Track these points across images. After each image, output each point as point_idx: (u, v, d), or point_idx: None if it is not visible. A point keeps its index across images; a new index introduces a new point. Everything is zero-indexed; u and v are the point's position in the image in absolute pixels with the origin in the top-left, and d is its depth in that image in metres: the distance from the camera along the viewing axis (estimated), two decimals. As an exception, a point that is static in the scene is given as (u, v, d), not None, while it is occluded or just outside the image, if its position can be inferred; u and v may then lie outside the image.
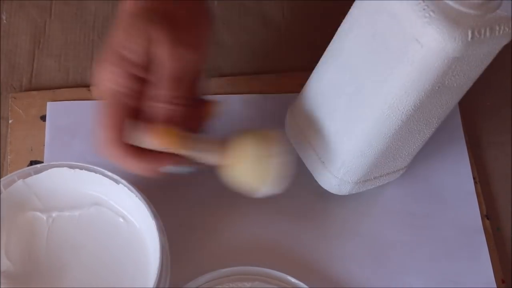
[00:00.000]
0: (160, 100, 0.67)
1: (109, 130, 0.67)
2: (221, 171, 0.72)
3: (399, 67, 0.65)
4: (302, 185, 0.82)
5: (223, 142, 0.71)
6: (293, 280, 0.76)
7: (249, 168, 0.71)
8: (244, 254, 0.78)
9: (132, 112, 0.68)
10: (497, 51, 0.65)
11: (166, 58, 0.66)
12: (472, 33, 0.60)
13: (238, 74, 0.89)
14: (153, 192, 0.74)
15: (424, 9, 0.61)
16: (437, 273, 0.79)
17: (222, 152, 0.71)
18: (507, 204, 0.84)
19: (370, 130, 0.70)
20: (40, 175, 0.73)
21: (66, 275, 0.72)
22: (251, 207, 0.81)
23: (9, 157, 0.82)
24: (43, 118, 0.84)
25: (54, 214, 0.74)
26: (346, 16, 0.70)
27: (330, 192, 0.80)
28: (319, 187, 0.80)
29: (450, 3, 0.61)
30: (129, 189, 0.71)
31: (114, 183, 0.72)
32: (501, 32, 0.62)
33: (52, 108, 0.85)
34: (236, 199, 0.81)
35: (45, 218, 0.74)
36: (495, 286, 0.79)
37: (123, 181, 0.72)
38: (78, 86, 0.87)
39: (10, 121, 0.83)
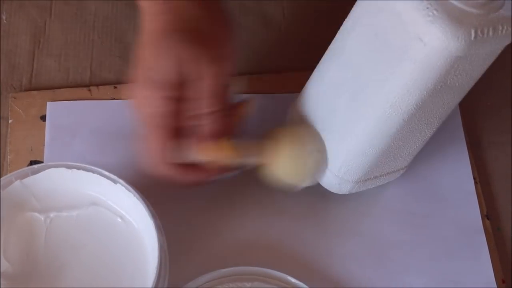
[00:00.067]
0: (204, 117, 0.69)
1: (156, 154, 0.70)
2: (261, 170, 0.76)
3: (401, 65, 0.65)
4: (302, 185, 0.82)
5: (261, 142, 0.75)
6: (293, 280, 0.76)
7: (289, 166, 0.75)
8: (244, 254, 0.78)
9: (174, 131, 0.70)
10: (499, 51, 0.65)
11: (202, 75, 0.67)
12: (475, 32, 0.60)
13: (238, 74, 0.88)
14: (152, 192, 0.74)
15: (427, 8, 0.61)
16: (437, 273, 0.79)
17: (262, 153, 0.74)
18: (507, 204, 0.84)
19: (371, 129, 0.70)
20: (38, 176, 0.73)
21: (64, 275, 0.72)
22: (251, 207, 0.81)
23: (9, 157, 0.82)
24: (43, 118, 0.84)
25: (52, 215, 0.74)
26: (349, 15, 0.70)
27: (330, 192, 0.80)
28: (319, 186, 0.80)
29: (454, 2, 0.61)
30: (127, 189, 0.71)
31: (112, 183, 0.72)
32: (504, 31, 0.62)
33: (52, 108, 0.85)
34: (236, 199, 0.81)
35: (43, 218, 0.74)
36: (495, 286, 0.79)
37: (121, 181, 0.72)
38: (78, 86, 0.87)
39: (10, 121, 0.84)
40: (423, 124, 0.72)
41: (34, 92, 0.86)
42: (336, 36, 0.72)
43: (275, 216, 0.81)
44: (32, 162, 0.81)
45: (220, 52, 0.69)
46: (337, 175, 0.77)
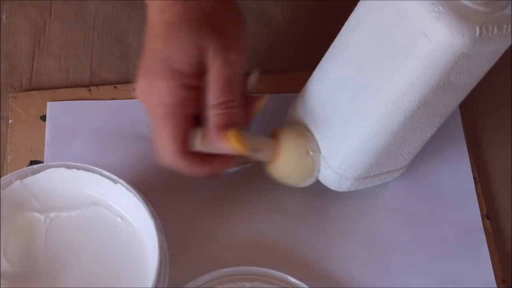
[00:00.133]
0: (221, 107, 0.69)
1: (173, 142, 0.69)
2: (268, 167, 0.77)
3: (405, 61, 0.65)
4: (301, 185, 0.82)
5: (266, 139, 0.76)
6: (293, 280, 0.76)
7: (290, 164, 0.76)
8: (244, 254, 0.78)
9: (191, 121, 0.70)
10: (503, 50, 0.65)
11: (220, 65, 0.67)
12: (480, 29, 0.60)
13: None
14: (152, 192, 0.75)
15: (433, 4, 0.61)
16: (437, 273, 0.79)
17: (271, 149, 0.76)
18: (507, 204, 0.84)
19: (373, 126, 0.70)
20: (38, 176, 0.73)
21: (64, 276, 0.72)
22: (251, 207, 0.81)
23: (9, 157, 0.82)
24: (43, 118, 0.84)
25: (52, 215, 0.74)
26: (353, 12, 0.70)
27: (330, 191, 0.80)
28: (319, 186, 0.80)
29: None
30: (127, 189, 0.71)
31: (112, 183, 0.72)
32: (508, 30, 0.62)
33: (52, 108, 0.85)
34: (236, 199, 0.81)
35: (43, 218, 0.74)
36: (495, 286, 0.79)
37: (121, 181, 0.72)
38: (78, 86, 0.87)
39: (10, 121, 0.84)
40: (425, 122, 0.72)
41: (34, 92, 0.86)
42: (340, 33, 0.73)
43: (275, 216, 0.81)
44: (32, 162, 0.81)
45: (235, 42, 0.69)
46: (337, 172, 0.77)
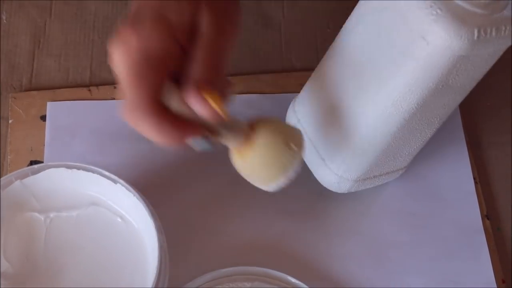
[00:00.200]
0: (203, 68, 0.64)
1: (147, 93, 0.62)
2: (236, 156, 0.69)
3: (404, 64, 0.65)
4: (302, 185, 0.81)
5: (246, 122, 0.69)
6: (293, 280, 0.76)
7: (267, 157, 0.68)
8: (244, 254, 0.78)
9: (169, 75, 0.63)
10: (501, 52, 0.65)
11: (214, 33, 0.64)
12: (478, 32, 0.60)
13: (238, 74, 0.88)
14: (152, 192, 0.74)
15: (431, 7, 0.61)
16: (437, 273, 0.79)
17: (245, 133, 0.68)
18: (507, 204, 0.84)
19: (372, 128, 0.70)
20: (38, 176, 0.73)
21: (64, 276, 0.72)
22: (251, 207, 0.81)
23: (9, 157, 0.82)
24: (43, 118, 0.84)
25: (52, 215, 0.74)
26: (352, 13, 0.70)
27: (330, 191, 0.80)
28: (319, 186, 0.80)
29: (457, 1, 0.61)
30: (127, 189, 0.71)
31: (112, 183, 0.72)
32: (506, 32, 0.62)
33: (52, 108, 0.85)
34: (236, 199, 0.81)
35: (43, 218, 0.74)
36: (495, 286, 0.79)
37: (121, 181, 0.72)
38: (78, 86, 0.87)
39: (10, 121, 0.84)
40: (424, 124, 0.72)
41: (34, 92, 0.86)
42: (339, 34, 0.72)
43: (275, 216, 0.81)
44: (32, 162, 0.81)
45: (229, 16, 0.66)
46: (337, 173, 0.77)
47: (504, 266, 0.80)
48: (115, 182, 0.72)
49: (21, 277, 0.71)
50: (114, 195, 0.73)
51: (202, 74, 0.63)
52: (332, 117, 0.74)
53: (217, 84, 0.64)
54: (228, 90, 0.66)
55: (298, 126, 0.79)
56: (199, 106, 0.63)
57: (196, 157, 0.82)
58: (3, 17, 0.91)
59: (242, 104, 0.86)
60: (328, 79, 0.74)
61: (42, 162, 0.81)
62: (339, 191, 0.79)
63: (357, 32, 0.70)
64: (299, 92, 0.79)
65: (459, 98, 0.71)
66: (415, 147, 0.76)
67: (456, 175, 0.85)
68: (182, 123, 0.64)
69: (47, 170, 0.73)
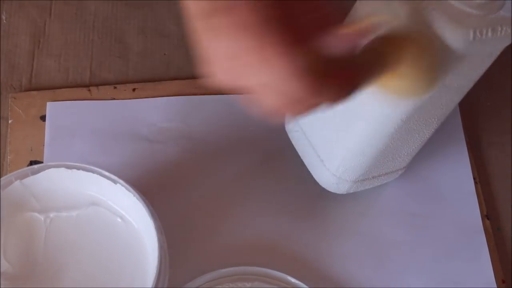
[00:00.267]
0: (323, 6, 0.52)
1: (285, 64, 0.49)
2: (386, 78, 0.61)
3: None
4: (301, 185, 0.82)
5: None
6: (293, 280, 0.76)
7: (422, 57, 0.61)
8: (244, 254, 0.78)
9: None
10: (498, 52, 0.65)
11: None
12: (474, 33, 0.60)
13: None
14: (152, 192, 0.74)
15: (425, 8, 0.60)
16: (437, 273, 0.79)
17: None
18: (507, 204, 0.84)
19: (370, 129, 0.70)
20: (38, 176, 0.73)
21: (64, 276, 0.72)
22: (251, 207, 0.81)
23: (9, 157, 0.82)
24: (43, 118, 0.84)
25: (51, 215, 0.74)
26: (348, 16, 0.70)
27: (330, 192, 0.80)
28: (319, 186, 0.80)
29: (453, 2, 0.61)
30: (127, 189, 0.71)
31: (112, 183, 0.72)
32: (503, 33, 0.62)
33: (52, 108, 0.85)
34: (236, 199, 0.81)
35: (42, 218, 0.73)
36: (496, 286, 0.79)
37: (121, 181, 0.72)
38: (78, 86, 0.87)
39: (10, 121, 0.84)
40: (422, 124, 0.72)
41: (34, 92, 0.86)
42: None
43: (275, 216, 0.81)
44: (32, 162, 0.81)
45: None
46: (335, 175, 0.77)
47: (504, 266, 0.80)
48: (115, 182, 0.72)
49: (21, 277, 0.71)
50: (114, 195, 0.73)
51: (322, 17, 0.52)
52: (329, 117, 0.74)
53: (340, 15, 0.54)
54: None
55: (297, 128, 0.79)
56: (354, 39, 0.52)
57: (196, 157, 0.83)
58: (3, 17, 0.91)
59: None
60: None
61: (42, 162, 0.81)
62: (338, 192, 0.79)
63: None
64: (299, 92, 0.79)
65: (457, 98, 0.71)
66: (413, 147, 0.76)
67: (456, 175, 0.85)
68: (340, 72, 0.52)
69: (47, 170, 0.73)
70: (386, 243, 0.80)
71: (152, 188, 0.77)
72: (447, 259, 0.80)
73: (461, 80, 0.66)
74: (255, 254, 0.78)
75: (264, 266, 0.77)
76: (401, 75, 0.60)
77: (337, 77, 0.52)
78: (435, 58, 0.61)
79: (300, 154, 0.81)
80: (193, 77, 0.88)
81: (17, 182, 0.73)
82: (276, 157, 0.84)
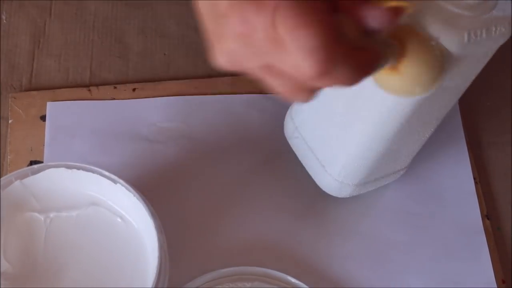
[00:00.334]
0: None
1: (322, 30, 0.46)
2: (391, 74, 0.60)
3: None
4: (302, 185, 0.82)
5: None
6: (293, 280, 0.76)
7: (424, 58, 0.60)
8: (244, 254, 0.78)
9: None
10: (494, 51, 0.65)
11: None
12: (469, 35, 0.59)
13: (238, 74, 0.88)
14: (152, 192, 0.74)
15: (419, 12, 0.60)
16: (437, 273, 0.79)
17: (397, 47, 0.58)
18: (507, 204, 0.84)
19: (369, 133, 0.70)
20: (38, 176, 0.73)
21: (64, 276, 0.72)
22: (251, 207, 0.81)
23: (9, 157, 0.82)
24: (43, 118, 0.84)
25: (51, 215, 0.74)
26: None
27: (330, 192, 0.80)
28: (319, 187, 0.80)
29: (445, 5, 0.60)
30: (127, 189, 0.71)
31: (112, 183, 0.72)
32: (497, 32, 0.61)
33: (52, 108, 0.85)
34: (236, 199, 0.81)
35: (42, 218, 0.73)
36: (496, 286, 0.79)
37: (121, 181, 0.72)
38: (78, 86, 0.87)
39: (10, 121, 0.84)
40: (421, 125, 0.72)
41: (34, 92, 0.86)
42: None
43: (275, 217, 0.81)
44: (32, 162, 0.81)
45: None
46: (337, 179, 0.77)
47: (504, 266, 0.80)
48: (115, 182, 0.72)
49: (21, 277, 0.71)
50: (114, 195, 0.73)
51: None
52: (328, 124, 0.74)
53: None
54: None
55: (296, 134, 0.79)
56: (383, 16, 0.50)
57: (196, 157, 0.83)
58: (3, 17, 0.91)
59: (244, 104, 0.86)
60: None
61: (42, 162, 0.81)
62: (340, 196, 0.79)
63: None
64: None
65: (455, 98, 0.71)
66: (414, 148, 0.76)
67: (456, 175, 0.85)
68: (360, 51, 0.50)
69: (47, 170, 0.73)
70: (386, 243, 0.80)
71: (152, 188, 0.77)
72: (447, 259, 0.80)
73: (458, 80, 0.66)
74: (255, 254, 0.78)
75: (264, 266, 0.77)
76: (402, 72, 0.59)
77: (357, 57, 0.50)
78: (435, 59, 0.60)
79: (301, 159, 0.81)
80: (193, 77, 0.88)
81: (17, 182, 0.73)
82: (276, 157, 0.84)
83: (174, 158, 0.82)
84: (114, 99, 0.86)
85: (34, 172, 0.73)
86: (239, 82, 0.87)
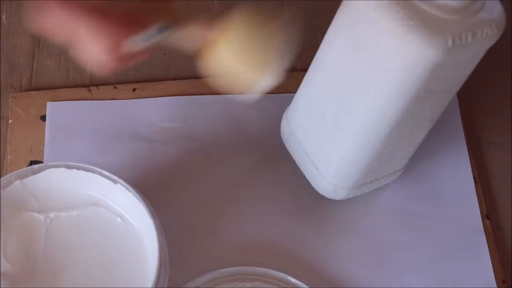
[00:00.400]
0: None
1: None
2: (205, 57, 0.60)
3: (381, 75, 0.64)
4: (301, 185, 0.82)
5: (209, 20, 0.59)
6: (293, 280, 0.76)
7: (245, 49, 0.58)
8: (244, 254, 0.78)
9: None
10: (482, 53, 0.65)
11: None
12: (453, 39, 0.59)
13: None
14: (152, 192, 0.74)
15: (403, 18, 0.60)
16: (437, 273, 0.79)
17: (208, 28, 0.58)
18: (507, 204, 0.84)
19: (360, 136, 0.70)
20: (38, 176, 0.73)
21: (64, 276, 0.72)
22: (251, 207, 0.81)
23: (9, 157, 0.82)
24: (43, 118, 0.84)
25: (51, 215, 0.74)
26: (331, 25, 0.70)
27: (329, 193, 0.80)
28: (319, 187, 0.80)
29: (430, 10, 0.60)
30: (127, 189, 0.71)
31: (112, 183, 0.72)
32: (483, 35, 0.61)
33: (52, 108, 0.85)
34: (236, 199, 0.81)
35: (42, 218, 0.73)
36: (496, 286, 0.79)
37: (121, 181, 0.72)
38: (78, 86, 0.87)
39: (10, 121, 0.84)
40: (413, 128, 0.71)
41: (34, 92, 0.86)
42: (321, 45, 0.72)
43: (274, 217, 0.81)
44: (32, 162, 0.81)
45: None
46: (332, 182, 0.77)
47: (504, 266, 0.80)
48: (115, 182, 0.72)
49: (21, 277, 0.71)
50: (114, 195, 0.73)
51: None
52: (321, 126, 0.74)
53: None
54: None
55: (292, 137, 0.79)
56: None
57: (196, 157, 0.83)
58: (3, 17, 0.91)
59: (243, 104, 0.86)
60: (314, 89, 0.74)
61: (42, 162, 0.81)
62: (336, 198, 0.79)
63: (336, 43, 0.69)
64: (298, 92, 0.79)
65: (446, 100, 0.71)
66: (408, 149, 0.76)
67: (456, 175, 0.85)
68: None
69: (47, 170, 0.73)
70: (386, 243, 0.80)
71: (152, 188, 0.77)
72: (447, 259, 0.80)
73: (447, 83, 0.66)
74: (255, 254, 0.78)
75: (264, 266, 0.77)
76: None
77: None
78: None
79: (297, 162, 0.81)
80: (193, 77, 0.88)
81: (17, 182, 0.73)
82: (276, 157, 0.84)
83: (174, 158, 0.82)
84: (114, 99, 0.86)
85: (34, 172, 0.73)
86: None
